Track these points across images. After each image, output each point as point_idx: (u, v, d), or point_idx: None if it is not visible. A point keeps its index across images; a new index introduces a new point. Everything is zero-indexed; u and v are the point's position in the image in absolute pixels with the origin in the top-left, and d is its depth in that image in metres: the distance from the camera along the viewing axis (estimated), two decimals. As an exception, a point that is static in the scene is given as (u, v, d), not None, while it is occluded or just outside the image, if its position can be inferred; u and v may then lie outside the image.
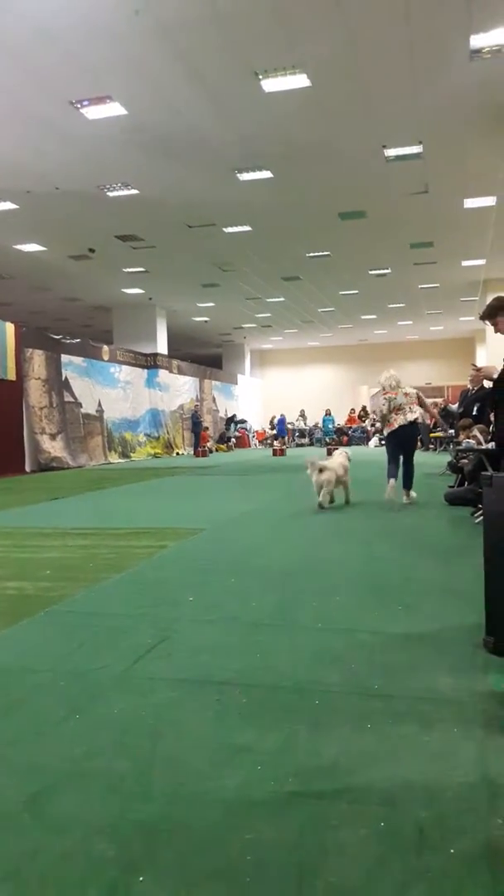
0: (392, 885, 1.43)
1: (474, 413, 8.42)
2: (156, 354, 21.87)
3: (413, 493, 7.63)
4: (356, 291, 20.27)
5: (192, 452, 22.05)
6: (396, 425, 7.39)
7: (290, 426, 28.45)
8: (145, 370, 21.52)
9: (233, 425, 27.49)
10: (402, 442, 7.48)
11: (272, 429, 28.95)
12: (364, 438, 25.81)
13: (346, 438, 25.93)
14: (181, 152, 9.97)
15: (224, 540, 5.70)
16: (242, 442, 27.31)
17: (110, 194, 11.59)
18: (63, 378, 16.76)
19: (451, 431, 11.99)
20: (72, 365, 17.22)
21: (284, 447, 22.40)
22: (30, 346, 15.39)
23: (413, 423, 7.47)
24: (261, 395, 33.48)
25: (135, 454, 20.18)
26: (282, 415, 28.12)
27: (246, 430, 28.37)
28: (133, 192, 11.51)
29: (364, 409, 29.67)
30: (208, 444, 22.88)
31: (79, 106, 8.40)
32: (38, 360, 15.66)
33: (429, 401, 8.69)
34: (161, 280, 18.15)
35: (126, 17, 6.62)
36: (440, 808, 1.70)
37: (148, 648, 2.92)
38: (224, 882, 1.46)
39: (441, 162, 10.50)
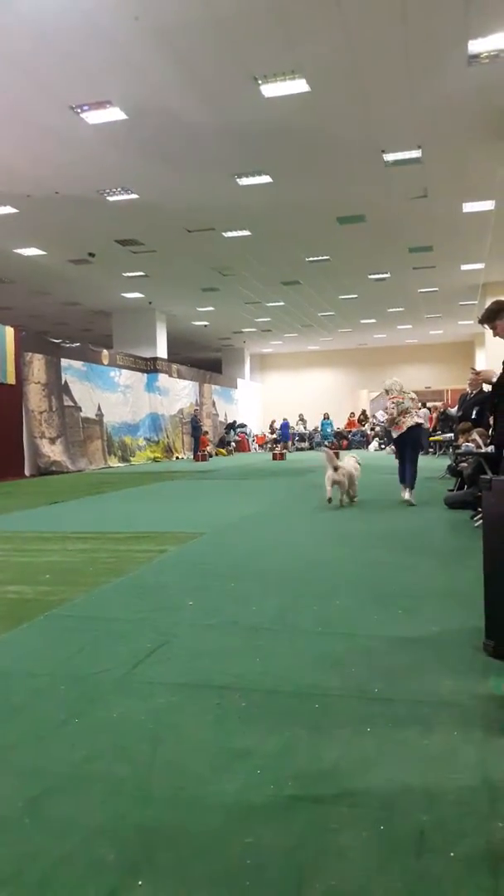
0: (392, 889, 1.43)
1: (473, 416, 8.42)
2: (155, 359, 21.89)
3: (407, 495, 7.96)
4: (356, 296, 20.31)
5: (191, 456, 22.05)
6: (405, 427, 7.80)
7: (290, 430, 28.48)
8: (145, 374, 21.55)
9: (232, 431, 27.52)
10: (411, 443, 7.96)
11: (272, 433, 28.97)
12: (364, 442, 25.82)
13: (345, 442, 25.92)
14: (181, 157, 10.00)
15: (224, 544, 5.69)
16: (242, 446, 27.32)
17: (110, 199, 11.62)
18: (63, 382, 16.78)
19: (450, 435, 11.99)
20: (71, 369, 17.24)
21: (285, 451, 22.40)
22: (29, 350, 15.41)
23: (419, 426, 8.02)
24: (261, 399, 33.50)
25: (134, 458, 20.18)
26: (285, 419, 28.14)
27: (246, 434, 28.37)
28: (133, 196, 11.54)
29: (364, 412, 29.69)
30: (208, 449, 22.88)
31: (79, 111, 8.43)
32: (37, 365, 15.68)
33: (429, 404, 9.61)
34: (161, 284, 18.19)
35: (126, 22, 6.65)
36: (440, 812, 1.69)
37: (148, 653, 2.92)
38: (223, 886, 1.46)
39: (440, 166, 10.54)
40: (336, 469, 7.57)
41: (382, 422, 18.78)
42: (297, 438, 28.21)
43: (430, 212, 12.76)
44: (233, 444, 26.57)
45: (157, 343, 22.17)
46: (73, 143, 9.38)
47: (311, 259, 16.01)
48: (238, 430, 28.02)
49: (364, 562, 4.76)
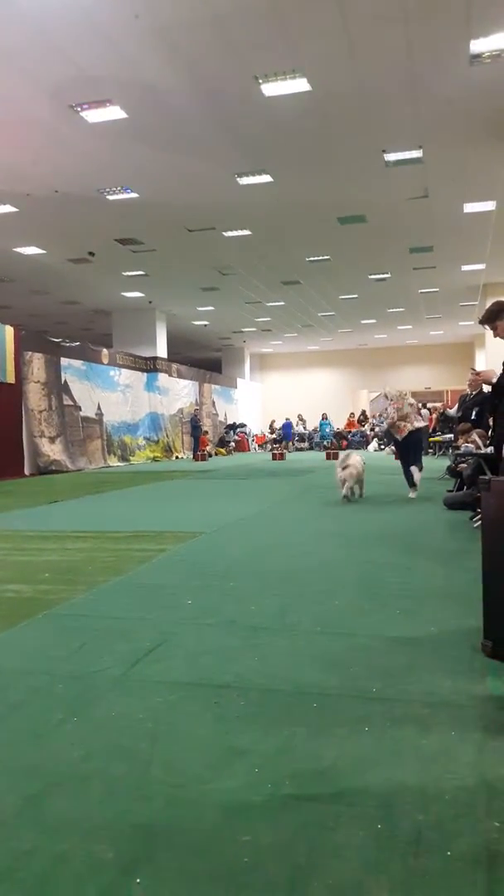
0: (389, 888, 1.43)
1: (473, 417, 8.42)
2: (155, 358, 21.89)
3: (413, 493, 8.59)
4: (356, 296, 20.31)
5: (191, 456, 22.06)
6: (406, 432, 8.36)
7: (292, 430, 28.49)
8: (145, 374, 21.54)
9: (232, 432, 27.54)
10: (412, 446, 8.55)
11: (272, 433, 28.98)
12: (363, 443, 25.82)
13: (345, 443, 25.93)
14: (181, 156, 10.00)
15: (223, 543, 5.70)
16: (242, 446, 27.32)
17: (110, 198, 11.62)
18: (62, 381, 16.77)
19: (450, 435, 11.99)
20: (71, 368, 17.24)
21: (284, 451, 22.41)
22: (29, 349, 15.41)
23: (419, 430, 8.55)
24: (260, 399, 33.50)
25: (134, 458, 20.18)
26: (287, 419, 28.13)
27: (245, 433, 28.37)
28: (133, 195, 11.54)
29: (364, 413, 29.69)
30: (208, 448, 22.88)
31: (79, 109, 8.42)
32: (37, 364, 15.67)
33: (429, 405, 10.37)
34: (161, 284, 18.18)
35: (126, 20, 6.65)
36: (437, 811, 1.70)
37: (146, 651, 2.92)
38: (221, 884, 1.46)
39: (441, 166, 10.54)
40: (346, 467, 8.21)
41: (382, 424, 18.82)
42: (296, 439, 28.22)
43: (430, 212, 12.76)
44: (232, 443, 26.58)
45: (157, 342, 22.16)
46: (73, 142, 9.38)
47: (311, 259, 16.00)
48: (238, 429, 28.03)
49: (363, 562, 4.77)
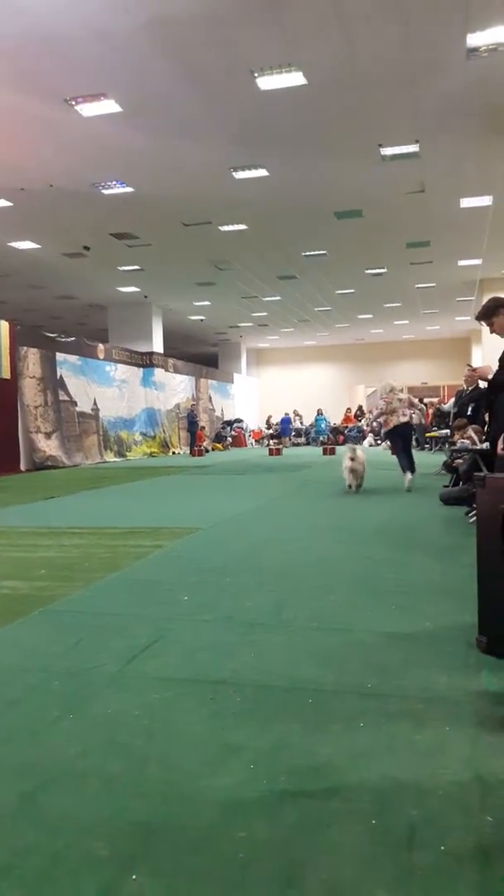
0: (383, 884, 1.44)
1: (469, 413, 8.44)
2: (151, 353, 21.84)
3: (408, 482, 8.91)
4: (352, 291, 20.29)
5: (188, 451, 22.04)
6: (392, 425, 8.93)
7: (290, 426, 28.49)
8: (141, 369, 21.50)
9: (229, 427, 27.53)
10: (401, 436, 9.11)
11: (269, 428, 28.97)
12: (360, 438, 25.84)
13: (341, 438, 25.94)
14: (176, 150, 9.96)
15: (220, 539, 5.70)
16: (238, 441, 27.31)
17: (105, 192, 11.57)
18: (58, 377, 16.74)
19: (446, 431, 12.04)
20: (67, 363, 17.19)
21: (281, 447, 22.40)
22: (24, 344, 15.36)
23: (406, 423, 9.05)
24: (257, 394, 33.48)
25: (130, 453, 20.16)
26: (286, 414, 28.11)
27: (242, 429, 28.36)
28: (128, 189, 11.49)
29: (360, 408, 29.70)
30: (204, 444, 22.86)
31: (73, 103, 8.38)
32: (32, 359, 15.63)
33: (425, 400, 10.75)
34: (157, 278, 18.13)
35: (119, 13, 6.61)
36: (431, 807, 1.71)
37: (142, 648, 2.93)
38: (217, 880, 1.47)
39: (438, 161, 10.52)
40: (352, 459, 8.67)
41: (373, 423, 18.91)
42: (293, 434, 28.23)
43: (427, 207, 12.74)
44: (229, 439, 26.57)
45: (153, 337, 22.11)
46: (68, 136, 9.33)
47: (307, 254, 15.97)
48: (234, 425, 28.02)
49: (359, 557, 4.78)
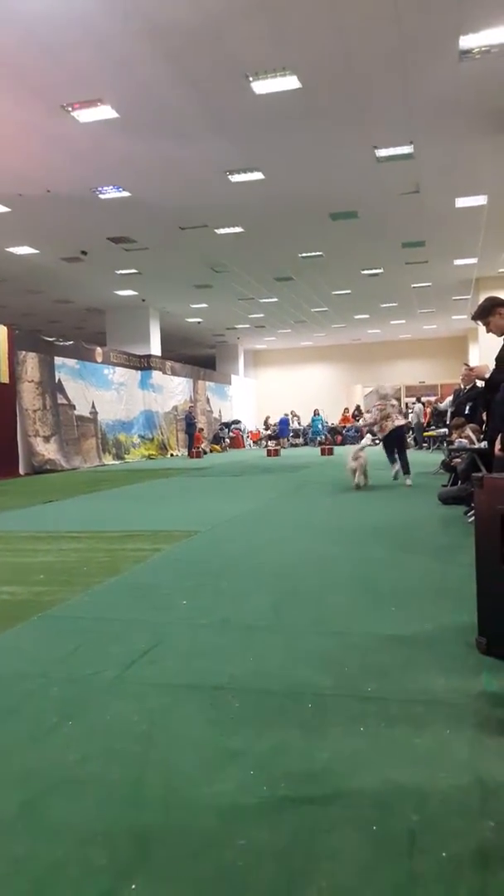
0: (384, 891, 1.44)
1: (466, 412, 8.44)
2: (149, 356, 21.85)
3: (409, 481, 9.49)
4: (349, 291, 20.30)
5: (186, 453, 22.04)
6: (388, 430, 9.40)
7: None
8: (139, 372, 21.50)
9: (227, 428, 27.53)
10: (394, 441, 9.63)
11: (267, 429, 28.96)
12: (358, 438, 25.84)
13: (339, 438, 25.95)
14: (172, 154, 9.97)
15: (218, 542, 5.70)
16: (237, 442, 27.31)
17: (102, 197, 11.58)
18: (56, 380, 16.73)
19: (444, 430, 12.07)
20: (65, 367, 17.19)
21: (279, 448, 22.39)
22: (23, 348, 15.36)
23: (400, 427, 9.59)
24: (255, 395, 33.49)
25: (129, 456, 20.15)
26: (285, 415, 28.10)
27: (240, 430, 28.36)
28: (125, 194, 11.50)
29: (358, 408, 29.70)
30: (202, 445, 22.86)
31: (70, 109, 8.38)
32: (31, 363, 15.63)
33: (423, 399, 11.31)
34: (154, 281, 18.14)
35: (116, 20, 6.62)
36: (432, 811, 1.70)
37: (141, 653, 2.92)
38: (217, 888, 1.46)
39: (432, 162, 10.53)
40: (357, 458, 9.23)
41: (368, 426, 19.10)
42: (290, 435, 28.23)
43: (422, 207, 12.75)
44: (227, 440, 26.56)
45: (151, 340, 22.11)
46: (65, 142, 9.34)
47: (303, 255, 15.99)
48: (232, 426, 28.02)
49: (358, 558, 4.77)
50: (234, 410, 29.78)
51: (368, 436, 10.23)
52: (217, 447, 24.96)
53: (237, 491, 10.32)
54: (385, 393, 9.74)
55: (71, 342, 18.01)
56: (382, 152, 10.11)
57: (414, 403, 23.80)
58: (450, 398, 16.08)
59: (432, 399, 24.23)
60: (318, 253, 15.84)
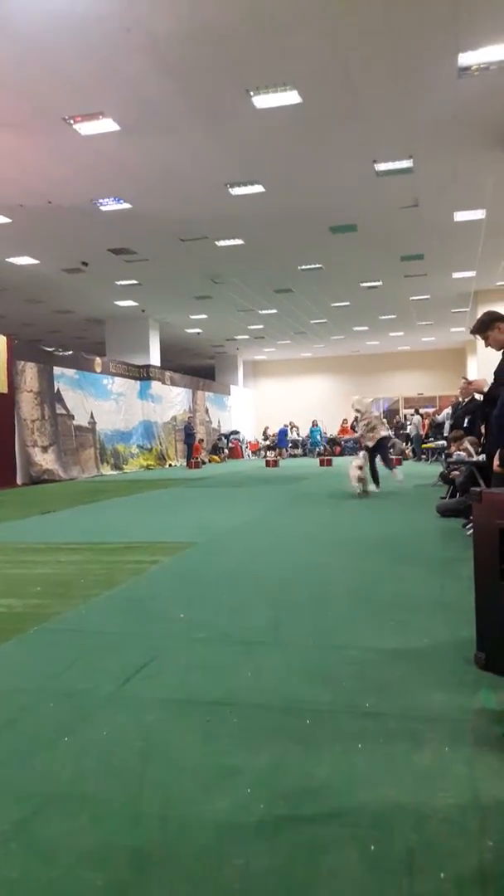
0: (382, 912, 1.42)
1: (465, 425, 8.46)
2: (148, 366, 21.88)
3: (399, 476, 10.73)
4: (348, 303, 20.38)
5: (185, 464, 22.03)
6: (375, 441, 10.10)
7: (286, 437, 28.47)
8: (138, 382, 21.53)
9: (226, 439, 27.53)
10: (378, 449, 10.37)
11: (265, 439, 28.97)
12: (356, 448, 25.82)
13: (338, 448, 25.97)
14: (173, 167, 10.03)
15: (216, 554, 5.68)
16: (235, 453, 27.30)
17: (103, 208, 11.64)
18: (55, 390, 16.74)
19: (443, 442, 12.11)
20: (64, 377, 17.21)
21: (278, 458, 22.39)
22: (22, 358, 15.38)
23: (385, 437, 10.42)
24: (254, 405, 33.51)
25: (127, 466, 20.13)
26: (284, 426, 28.12)
27: (239, 441, 28.36)
28: (126, 206, 11.56)
29: (356, 419, 29.68)
30: (201, 456, 22.85)
31: (72, 122, 8.45)
32: (30, 373, 15.64)
33: (421, 410, 10.82)
34: (154, 292, 18.20)
35: (118, 34, 6.68)
36: (431, 831, 1.69)
37: (138, 668, 2.90)
38: (213, 910, 1.45)
39: (431, 176, 10.61)
40: (360, 468, 9.81)
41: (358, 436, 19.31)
42: (289, 445, 28.23)
43: (421, 220, 12.83)
44: (226, 450, 26.55)
45: (151, 350, 22.16)
46: (66, 154, 9.40)
47: (303, 267, 16.06)
48: (231, 436, 28.02)
49: (356, 571, 4.76)
50: (232, 421, 29.80)
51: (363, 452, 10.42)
52: (216, 458, 24.96)
53: (236, 502, 10.31)
54: (360, 408, 10.51)
55: (70, 352, 18.05)
56: (382, 166, 10.19)
57: (413, 415, 23.85)
58: (447, 410, 16.10)
59: (430, 411, 24.27)
60: (317, 265, 15.92)
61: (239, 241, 13.83)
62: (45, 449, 15.88)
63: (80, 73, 7.35)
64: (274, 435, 27.89)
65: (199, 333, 25.11)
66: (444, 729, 2.25)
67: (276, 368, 34.44)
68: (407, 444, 21.89)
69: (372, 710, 2.41)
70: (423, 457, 19.76)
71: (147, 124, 8.62)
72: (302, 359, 33.26)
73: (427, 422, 21.45)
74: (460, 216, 12.63)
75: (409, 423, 22.82)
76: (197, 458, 21.67)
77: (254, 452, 28.84)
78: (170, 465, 22.19)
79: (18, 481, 14.68)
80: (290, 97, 7.93)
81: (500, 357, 4.45)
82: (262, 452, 27.53)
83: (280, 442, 26.98)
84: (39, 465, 15.39)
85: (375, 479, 10.34)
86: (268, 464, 20.78)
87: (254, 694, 2.59)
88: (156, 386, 22.28)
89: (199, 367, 31.81)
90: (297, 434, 29.15)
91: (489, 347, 4.51)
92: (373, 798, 1.85)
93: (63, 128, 8.57)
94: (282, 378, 34.38)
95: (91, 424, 18.46)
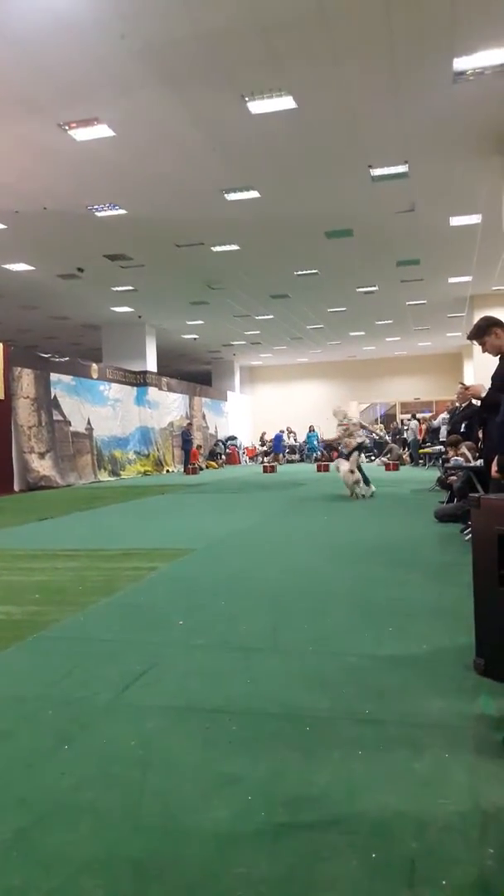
0: (384, 920, 1.41)
1: (462, 430, 8.47)
2: (145, 372, 21.88)
3: (372, 488, 10.96)
4: (344, 308, 20.42)
5: (182, 470, 22.01)
6: (352, 447, 10.77)
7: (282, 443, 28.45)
8: (135, 388, 21.51)
9: (223, 445, 27.52)
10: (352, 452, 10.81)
11: (262, 445, 28.96)
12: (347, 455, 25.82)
13: (335, 453, 25.95)
14: (169, 173, 10.06)
15: (214, 560, 5.67)
16: (232, 458, 27.29)
17: (98, 214, 11.65)
18: (52, 396, 16.72)
19: (440, 447, 12.13)
20: (61, 383, 17.19)
21: (275, 464, 22.38)
22: (18, 364, 15.36)
23: (360, 444, 11.14)
24: (251, 411, 33.53)
25: (124, 472, 20.11)
26: (280, 431, 28.12)
27: (236, 446, 28.35)
28: (121, 212, 11.58)
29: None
30: (199, 462, 22.83)
31: (67, 128, 8.47)
32: (26, 379, 15.62)
33: (418, 415, 10.95)
34: (150, 298, 18.22)
35: (113, 40, 6.70)
36: (431, 838, 1.69)
37: (137, 675, 2.90)
38: (214, 920, 1.44)
39: (427, 181, 10.65)
40: (353, 472, 10.38)
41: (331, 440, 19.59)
42: (286, 451, 28.23)
43: (417, 226, 12.87)
44: (223, 456, 26.54)
45: (147, 356, 22.16)
46: (61, 160, 9.41)
47: (299, 273, 16.09)
48: (229, 442, 28.01)
49: (355, 577, 4.76)
50: (230, 426, 29.80)
51: (356, 453, 10.53)
52: (213, 463, 24.94)
53: (234, 508, 10.30)
54: (345, 413, 11.13)
55: (67, 358, 18.03)
56: (377, 171, 10.22)
57: (409, 420, 23.88)
58: (443, 415, 16.12)
59: (427, 416, 24.31)
60: (313, 271, 15.95)
61: (235, 247, 13.85)
62: (42, 455, 15.86)
63: (75, 79, 7.37)
64: (270, 440, 27.90)
65: (195, 339, 25.13)
66: (443, 735, 2.25)
67: (273, 374, 34.48)
68: (404, 449, 21.92)
69: (371, 717, 2.41)
70: (421, 461, 19.79)
71: (142, 130, 8.65)
72: (298, 364, 33.30)
73: (424, 427, 21.50)
74: (456, 221, 12.67)
75: (406, 427, 22.84)
76: (194, 464, 21.65)
77: (251, 458, 28.82)
78: (167, 471, 22.17)
79: (16, 488, 14.65)
80: (285, 102, 7.96)
81: (498, 362, 4.46)
82: (260, 458, 27.52)
83: (276, 447, 26.98)
84: (36, 471, 15.37)
85: (366, 480, 10.72)
86: (265, 469, 20.78)
87: (253, 701, 2.59)
88: (152, 392, 22.27)
89: (196, 373, 31.82)
90: (294, 440, 29.15)
91: (486, 353, 4.52)
92: (373, 805, 1.84)
93: (58, 134, 8.59)
94: (278, 383, 34.41)
95: (88, 430, 18.44)
